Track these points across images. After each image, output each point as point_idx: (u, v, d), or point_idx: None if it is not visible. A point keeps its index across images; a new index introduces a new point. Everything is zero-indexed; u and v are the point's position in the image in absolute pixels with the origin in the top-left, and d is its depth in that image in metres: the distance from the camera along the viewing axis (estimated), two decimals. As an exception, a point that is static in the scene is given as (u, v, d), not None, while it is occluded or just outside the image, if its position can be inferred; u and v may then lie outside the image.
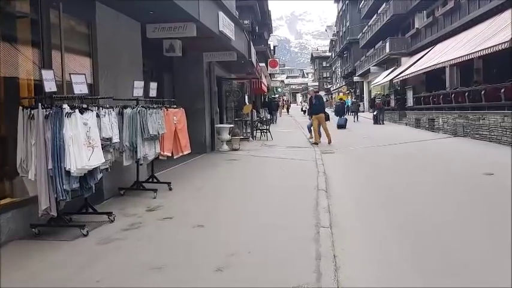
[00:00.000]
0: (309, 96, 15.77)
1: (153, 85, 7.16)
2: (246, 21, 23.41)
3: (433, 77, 23.15)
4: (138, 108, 6.40)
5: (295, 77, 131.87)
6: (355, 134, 19.89)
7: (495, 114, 12.11)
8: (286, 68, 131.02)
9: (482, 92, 13.04)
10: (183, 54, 11.91)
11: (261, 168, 9.86)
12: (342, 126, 24.60)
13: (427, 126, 18.80)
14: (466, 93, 14.43)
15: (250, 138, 16.20)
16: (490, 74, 19.03)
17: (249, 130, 17.07)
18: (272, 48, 53.90)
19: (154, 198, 6.60)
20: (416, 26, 27.55)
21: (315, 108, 14.84)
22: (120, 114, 6.41)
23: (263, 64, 27.16)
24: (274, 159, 11.26)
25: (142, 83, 6.89)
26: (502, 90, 11.82)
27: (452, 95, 15.80)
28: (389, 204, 6.41)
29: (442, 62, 16.41)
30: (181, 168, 9.55)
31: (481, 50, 12.45)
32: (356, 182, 8.32)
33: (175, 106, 7.42)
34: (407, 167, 9.77)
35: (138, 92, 6.77)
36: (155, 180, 7.27)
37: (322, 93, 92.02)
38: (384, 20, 32.28)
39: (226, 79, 16.64)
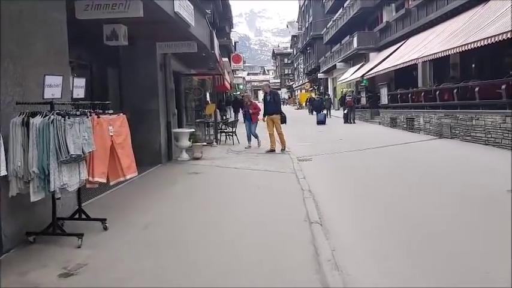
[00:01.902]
0: (263, 92, 13.48)
1: (78, 82, 5.02)
2: (207, 11, 21.37)
3: (403, 74, 21.87)
4: (52, 117, 4.29)
5: (256, 74, 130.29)
6: (327, 135, 18.23)
7: (493, 114, 10.65)
8: (247, 65, 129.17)
9: (476, 89, 11.58)
10: (130, 43, 9.72)
11: (229, 185, 7.85)
12: (321, 122, 24.74)
13: (405, 126, 17.38)
14: (455, 90, 12.96)
15: (214, 143, 14.17)
16: (468, 70, 17.90)
17: (212, 133, 15.00)
18: (234, 44, 51.95)
19: (79, 247, 4.51)
20: (385, 19, 26.31)
21: (269, 107, 12.32)
22: (25, 126, 4.30)
23: (226, 59, 25.17)
24: (245, 171, 9.31)
25: (60, 79, 4.77)
26: (503, 87, 10.35)
27: (437, 92, 14.34)
28: (421, 244, 4.60)
29: (428, 55, 14.91)
30: (126, 189, 7.42)
31: (478, 41, 10.95)
32: (355, 205, 6.48)
33: (111, 112, 5.29)
34: (405, 179, 8.06)
35: (54, 92, 4.66)
36: (83, 217, 5.17)
37: (284, 90, 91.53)
38: (351, 14, 30.96)
39: (186, 75, 14.51)
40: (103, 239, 4.83)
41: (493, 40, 10.50)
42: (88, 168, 4.82)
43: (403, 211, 5.90)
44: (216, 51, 13.42)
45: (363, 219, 5.67)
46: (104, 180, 5.02)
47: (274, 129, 12.20)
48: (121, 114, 5.29)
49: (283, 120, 12.45)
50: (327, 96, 34.41)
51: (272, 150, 11.97)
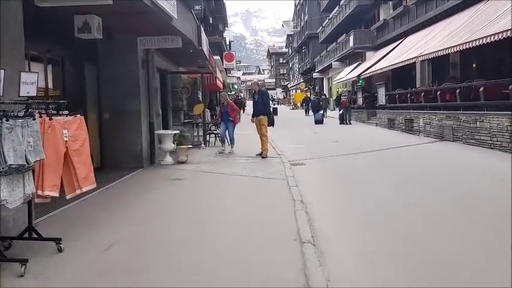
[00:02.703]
0: (252, 91, 12.12)
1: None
2: (197, 7, 20.60)
3: (401, 73, 21.17)
4: (-15, 119, 3.51)
5: (251, 73, 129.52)
6: (322, 136, 17.49)
7: (499, 116, 9.94)
8: (242, 64, 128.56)
9: (481, 89, 10.85)
10: (108, 37, 9.01)
11: (214, 195, 7.04)
12: (319, 121, 24.84)
13: (403, 127, 16.66)
14: (458, 90, 12.24)
15: (203, 145, 13.39)
16: (468, 70, 17.23)
17: (201, 133, 14.20)
18: (228, 43, 51.20)
19: (22, 276, 3.73)
20: (382, 17, 25.62)
21: (256, 107, 11.24)
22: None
23: (218, 57, 24.38)
24: (233, 177, 8.53)
25: (35, 76, 4.08)
26: (511, 87, 9.64)
27: (438, 92, 13.62)
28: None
29: (428, 54, 14.19)
30: (96, 198, 6.63)
31: (484, 37, 10.21)
32: (352, 219, 5.72)
33: (67, 112, 4.49)
34: (407, 188, 7.31)
35: (29, 90, 3.99)
36: (34, 236, 4.38)
37: (279, 90, 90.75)
38: (347, 12, 30.25)
39: (172, 73, 13.72)
40: (54, 264, 4.04)
41: (500, 37, 9.78)
42: (37, 180, 4.05)
43: (408, 228, 5.15)
44: (205, 48, 12.64)
45: (363, 237, 4.91)
46: (56, 194, 4.24)
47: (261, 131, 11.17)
48: (78, 115, 4.48)
49: (271, 122, 11.30)
50: (323, 96, 33.65)
51: (263, 156, 10.90)
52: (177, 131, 10.56)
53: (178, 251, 4.37)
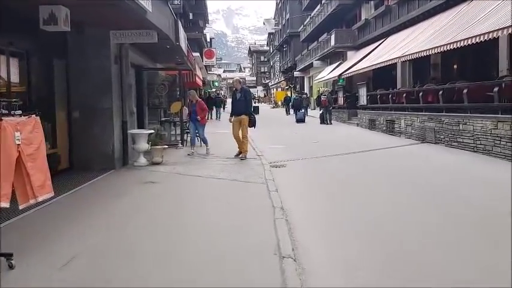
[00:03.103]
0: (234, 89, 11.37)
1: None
2: (176, 1, 20.04)
3: (382, 74, 21.05)
4: None
5: (233, 71, 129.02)
6: (303, 136, 17.18)
7: (483, 119, 9.76)
8: (223, 62, 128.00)
9: (465, 91, 10.66)
10: (78, 30, 8.51)
11: (188, 201, 6.59)
12: (301, 120, 25.18)
13: (384, 128, 16.47)
14: (440, 92, 12.04)
15: (180, 145, 12.90)
16: (450, 71, 17.17)
17: (179, 133, 13.69)
18: (209, 40, 50.61)
19: (-40, 301, 3.26)
20: (364, 17, 25.48)
21: (238, 106, 10.53)
22: None
23: (197, 54, 23.84)
24: (209, 180, 8.11)
25: None
26: (496, 89, 9.46)
27: (420, 94, 13.43)
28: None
29: (411, 54, 13.97)
30: (59, 204, 6.12)
31: (473, 37, 9.98)
32: (336, 228, 5.37)
33: (20, 112, 3.99)
34: (392, 192, 7.01)
35: None
36: (-18, 251, 3.89)
37: (259, 88, 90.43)
38: (328, 11, 30.05)
39: (148, 69, 13.18)
40: (4, 282, 3.57)
41: (486, 37, 9.59)
42: (-17, 189, 3.56)
43: (395, 238, 4.82)
44: (183, 43, 12.16)
45: (347, 250, 4.55)
46: (7, 205, 3.74)
47: (240, 131, 10.57)
48: (33, 116, 3.99)
49: (252, 123, 10.67)
50: (305, 95, 33.48)
51: (240, 153, 10.55)
52: (152, 131, 10.06)
53: (145, 266, 3.94)
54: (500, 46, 13.02)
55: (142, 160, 9.52)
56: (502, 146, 9.12)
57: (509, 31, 8.93)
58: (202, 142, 12.00)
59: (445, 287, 3.53)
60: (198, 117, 11.47)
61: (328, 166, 10.04)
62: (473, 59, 15.51)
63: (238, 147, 10.66)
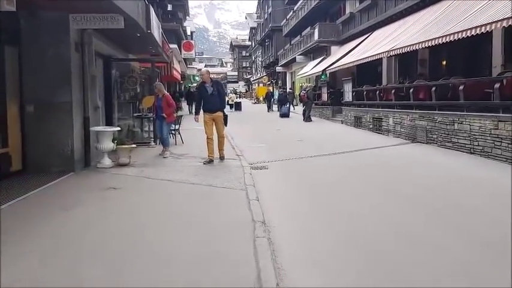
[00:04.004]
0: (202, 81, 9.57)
1: None
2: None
3: (367, 69, 20.29)
4: None
5: (214, 66, 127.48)
6: (286, 133, 16.29)
7: (482, 118, 8.97)
8: (204, 56, 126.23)
9: (461, 88, 9.87)
10: (31, 13, 7.45)
11: (152, 213, 5.53)
12: (285, 115, 25.05)
13: (370, 126, 15.67)
14: (433, 88, 11.24)
15: (152, 143, 11.84)
16: (438, 67, 16.48)
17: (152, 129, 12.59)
18: (189, 33, 49.36)
19: None
20: (348, 11, 24.66)
21: (211, 102, 9.11)
22: None
23: (175, 46, 22.66)
24: (181, 186, 7.10)
25: None
26: (497, 86, 8.67)
27: (410, 90, 12.62)
28: None
29: (401, 48, 13.13)
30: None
31: (469, 29, 9.18)
32: (326, 249, 4.44)
33: None
34: (388, 201, 6.13)
35: None
36: None
37: (241, 83, 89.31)
38: (312, 5, 29.19)
39: (119, 60, 12.05)
40: None
41: (488, 28, 8.83)
42: None
43: (395, 259, 3.92)
44: (156, 32, 11.07)
45: (343, 280, 3.63)
46: None
47: (214, 131, 9.24)
48: None
49: (225, 120, 9.39)
50: (290, 90, 32.77)
51: (211, 161, 9.08)
52: (118, 128, 9.00)
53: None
54: (494, 41, 12.33)
55: (107, 161, 8.46)
56: (503, 148, 8.35)
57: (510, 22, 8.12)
58: (161, 142, 10.58)
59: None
60: (164, 114, 10.20)
61: (314, 168, 9.13)
62: (463, 55, 14.79)
63: (209, 153, 9.18)
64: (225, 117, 9.34)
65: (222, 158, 9.39)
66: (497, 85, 8.68)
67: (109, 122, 11.13)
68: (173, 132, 12.50)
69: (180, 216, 5.34)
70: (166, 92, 10.76)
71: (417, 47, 12.23)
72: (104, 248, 4.24)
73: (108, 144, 8.39)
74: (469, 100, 9.78)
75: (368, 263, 3.97)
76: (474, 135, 9.28)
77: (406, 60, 17.38)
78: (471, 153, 9.41)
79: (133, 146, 8.89)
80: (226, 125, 9.48)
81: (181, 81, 43.26)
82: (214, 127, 9.27)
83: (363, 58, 17.00)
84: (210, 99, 9.12)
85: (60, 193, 6.53)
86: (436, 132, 10.87)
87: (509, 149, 8.17)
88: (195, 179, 7.53)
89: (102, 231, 4.74)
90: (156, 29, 11.23)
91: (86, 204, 5.85)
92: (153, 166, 8.78)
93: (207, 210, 5.60)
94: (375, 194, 6.64)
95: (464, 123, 9.65)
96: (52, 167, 7.91)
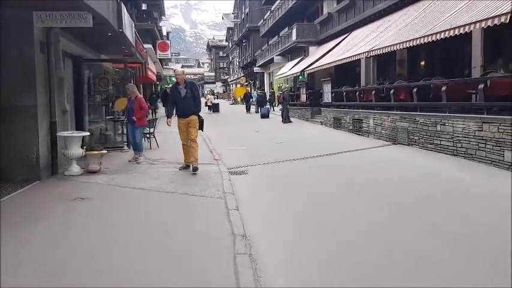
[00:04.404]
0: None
1: None
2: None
3: (345, 70, 20.11)
4: None
5: (191, 66, 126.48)
6: (265, 135, 15.94)
7: (466, 119, 8.79)
8: (181, 57, 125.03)
9: (443, 88, 9.68)
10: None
11: (121, 228, 5.04)
12: (265, 115, 25.11)
13: (351, 127, 15.45)
14: (414, 89, 11.04)
15: (126, 147, 11.31)
16: (417, 67, 16.40)
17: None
18: (165, 34, 48.59)
19: None
20: (326, 11, 24.50)
21: (185, 105, 8.32)
22: None
23: (150, 46, 22.03)
24: (155, 194, 6.64)
25: None
26: (481, 86, 8.48)
27: (391, 91, 12.42)
28: None
29: (381, 48, 12.92)
30: None
31: (453, 28, 8.99)
32: (315, 265, 4.09)
33: None
34: (376, 210, 5.82)
35: None
36: None
37: (219, 84, 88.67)
38: (289, 5, 28.93)
39: (89, 61, 11.46)
40: None
41: (473, 28, 8.67)
42: None
43: (388, 276, 3.59)
44: (128, 31, 10.55)
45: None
46: None
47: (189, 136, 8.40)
48: None
49: (200, 125, 8.56)
50: (272, 90, 32.64)
51: (187, 167, 8.43)
52: (87, 133, 8.46)
53: None
54: (474, 41, 12.22)
55: (75, 168, 7.92)
56: (488, 150, 8.17)
57: (496, 22, 7.95)
58: (133, 148, 9.87)
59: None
60: (135, 117, 9.54)
61: (295, 173, 8.79)
62: (442, 55, 14.72)
63: (185, 159, 8.59)
64: (201, 121, 8.54)
65: (194, 169, 8.13)
66: (481, 86, 8.50)
67: (80, 126, 10.55)
68: (148, 135, 12.00)
69: (153, 230, 4.91)
70: (139, 94, 10.21)
71: (398, 47, 12.06)
72: (68, 265, 3.79)
73: (76, 150, 7.85)
74: (452, 101, 9.59)
75: (363, 283, 3.62)
76: (457, 136, 9.10)
77: (384, 60, 17.23)
78: (454, 155, 9.22)
79: (104, 151, 8.36)
80: (202, 130, 8.75)
81: (158, 83, 42.53)
82: None
83: (343, 58, 16.78)
84: (184, 102, 8.33)
85: (23, 205, 5.99)
86: (418, 134, 10.68)
87: (494, 151, 7.99)
88: (170, 186, 7.09)
89: (65, 251, 4.26)
90: (128, 28, 10.72)
91: (49, 218, 5.35)
92: (126, 173, 8.28)
93: (183, 223, 5.18)
94: (361, 202, 6.32)
95: (447, 124, 9.47)
96: (15, 175, 7.35)
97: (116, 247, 4.36)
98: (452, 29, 9.07)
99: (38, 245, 4.45)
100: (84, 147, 8.01)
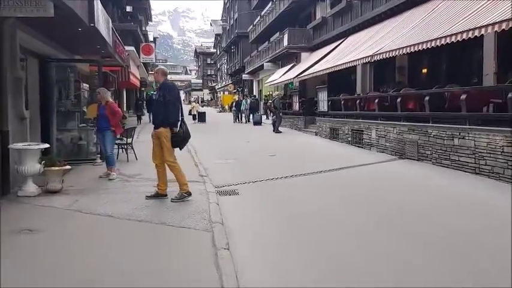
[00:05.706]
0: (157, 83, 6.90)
1: None
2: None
3: (339, 78, 18.89)
4: None
5: (178, 73, 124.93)
6: (257, 146, 14.67)
7: (491, 133, 7.61)
8: (168, 64, 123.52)
9: (463, 97, 8.50)
10: None
11: (73, 277, 3.75)
12: (258, 123, 24.83)
13: (349, 139, 14.25)
14: (426, 98, 9.84)
15: (99, 160, 9.90)
16: (418, 75, 15.33)
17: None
18: (152, 39, 47.25)
19: None
20: (319, 15, 23.42)
21: (153, 112, 6.97)
22: None
23: (132, 48, 20.60)
24: (123, 225, 5.28)
25: None
26: (511, 95, 7.32)
27: (398, 100, 11.22)
28: None
29: (387, 51, 11.69)
30: None
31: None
32: None
33: None
34: (395, 243, 4.57)
35: None
36: None
37: (206, 91, 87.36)
38: (281, 9, 27.84)
39: (57, 61, 10.05)
40: None
41: (490, 30, 7.49)
42: None
43: None
44: (102, 27, 9.20)
45: None
46: None
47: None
48: None
49: (176, 142, 6.32)
50: (266, 99, 31.65)
51: (160, 195, 6.43)
52: (46, 145, 7.05)
53: None
54: (486, 45, 11.13)
55: (31, 188, 6.52)
56: (520, 168, 6.99)
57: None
58: (105, 161, 8.47)
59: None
60: (111, 125, 8.20)
61: (294, 194, 7.48)
62: (446, 62, 13.66)
63: (158, 184, 6.55)
64: (178, 136, 6.30)
65: (185, 191, 6.36)
66: (511, 94, 7.32)
67: (45, 136, 9.17)
68: (124, 146, 10.62)
69: (114, 277, 3.56)
70: (110, 99, 8.78)
71: (409, 50, 10.78)
72: None
73: (32, 166, 6.46)
74: (472, 111, 8.42)
75: None
76: (480, 152, 7.91)
77: (382, 67, 16.14)
78: (476, 173, 8.03)
79: (67, 167, 6.98)
80: (180, 148, 6.55)
81: (143, 89, 41.06)
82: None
83: (340, 64, 15.59)
84: (154, 108, 6.70)
85: None
86: (430, 148, 9.49)
87: (528, 170, 6.82)
88: (144, 212, 5.73)
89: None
90: (103, 24, 9.37)
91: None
92: (93, 193, 6.89)
93: (152, 272, 3.83)
94: (375, 232, 5.06)
95: (466, 138, 8.28)
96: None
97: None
98: (465, 31, 7.95)
99: None
100: (43, 162, 6.61)
